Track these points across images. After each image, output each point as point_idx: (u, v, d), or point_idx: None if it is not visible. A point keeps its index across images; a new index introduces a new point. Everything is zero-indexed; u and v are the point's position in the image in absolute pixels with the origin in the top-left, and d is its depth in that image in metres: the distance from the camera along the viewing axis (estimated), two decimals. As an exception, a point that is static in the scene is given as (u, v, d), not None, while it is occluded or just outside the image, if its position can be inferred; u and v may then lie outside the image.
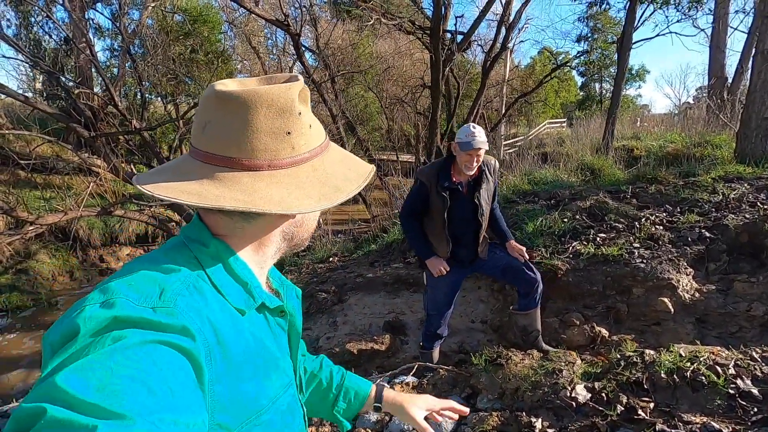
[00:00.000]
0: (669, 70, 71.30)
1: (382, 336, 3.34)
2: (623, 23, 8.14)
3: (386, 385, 1.04)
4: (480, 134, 2.22)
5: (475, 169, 2.28)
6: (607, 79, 28.72)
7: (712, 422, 1.56)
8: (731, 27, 13.00)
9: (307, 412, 0.74)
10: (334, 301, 3.97)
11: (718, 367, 1.75)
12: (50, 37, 12.32)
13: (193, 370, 0.47)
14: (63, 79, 8.33)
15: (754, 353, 1.84)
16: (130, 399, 0.38)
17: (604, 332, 2.80)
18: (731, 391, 1.66)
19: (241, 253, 0.61)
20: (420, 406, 0.93)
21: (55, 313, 8.67)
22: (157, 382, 0.41)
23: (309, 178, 0.59)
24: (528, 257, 2.56)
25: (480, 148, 2.20)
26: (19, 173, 10.46)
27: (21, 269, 9.49)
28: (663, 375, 1.79)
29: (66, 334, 0.44)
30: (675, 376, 1.78)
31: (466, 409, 0.98)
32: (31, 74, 13.24)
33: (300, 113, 0.59)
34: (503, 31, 10.96)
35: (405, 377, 2.42)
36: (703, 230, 3.32)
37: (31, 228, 6.58)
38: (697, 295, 2.87)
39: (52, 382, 0.38)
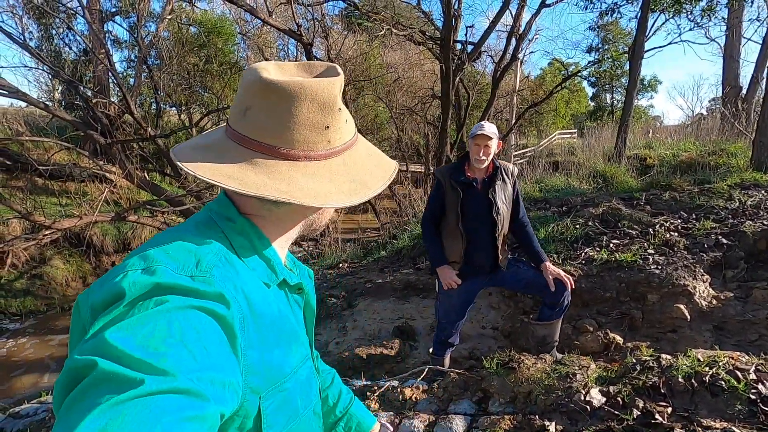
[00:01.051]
0: (681, 81, 70.92)
1: (392, 341, 3.32)
2: (634, 32, 8.13)
3: (390, 428, 1.00)
4: (489, 126, 2.24)
5: (486, 162, 2.26)
6: (619, 89, 28.62)
7: (733, 428, 1.51)
8: (744, 37, 12.91)
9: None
10: (343, 306, 3.96)
11: (738, 372, 1.70)
12: (70, 48, 12.70)
13: (227, 335, 0.49)
14: (82, 88, 8.54)
15: (775, 358, 1.79)
16: (172, 357, 0.41)
17: (618, 339, 2.74)
18: (752, 397, 1.61)
19: (267, 233, 0.63)
20: None
21: (67, 317, 8.77)
22: (196, 344, 0.44)
23: (340, 172, 0.61)
24: (573, 285, 2.35)
25: (485, 135, 2.19)
26: (36, 180, 10.72)
27: (35, 274, 9.65)
28: (681, 379, 1.74)
29: (110, 297, 0.46)
30: (693, 380, 1.73)
31: None
32: (51, 84, 13.64)
33: (340, 109, 0.61)
34: (513, 41, 11.00)
35: (415, 381, 2.39)
36: (719, 237, 3.26)
37: (47, 233, 6.71)
38: (714, 302, 2.80)
39: (103, 338, 0.41)
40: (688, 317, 2.72)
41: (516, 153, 16.92)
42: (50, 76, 11.70)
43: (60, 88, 13.46)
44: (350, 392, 0.92)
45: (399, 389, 2.22)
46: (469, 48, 10.88)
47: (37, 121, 10.50)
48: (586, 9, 9.88)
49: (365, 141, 0.70)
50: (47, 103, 9.80)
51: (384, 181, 0.65)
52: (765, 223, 3.26)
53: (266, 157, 0.58)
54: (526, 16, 11.32)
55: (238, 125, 0.59)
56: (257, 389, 0.54)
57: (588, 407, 1.76)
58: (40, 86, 13.53)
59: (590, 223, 3.84)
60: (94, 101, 8.38)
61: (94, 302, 0.47)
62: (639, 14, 7.77)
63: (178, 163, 0.58)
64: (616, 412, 1.70)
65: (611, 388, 1.82)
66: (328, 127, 0.60)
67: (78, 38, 11.42)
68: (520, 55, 12.99)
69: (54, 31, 12.47)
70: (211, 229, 0.60)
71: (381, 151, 0.72)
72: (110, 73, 9.26)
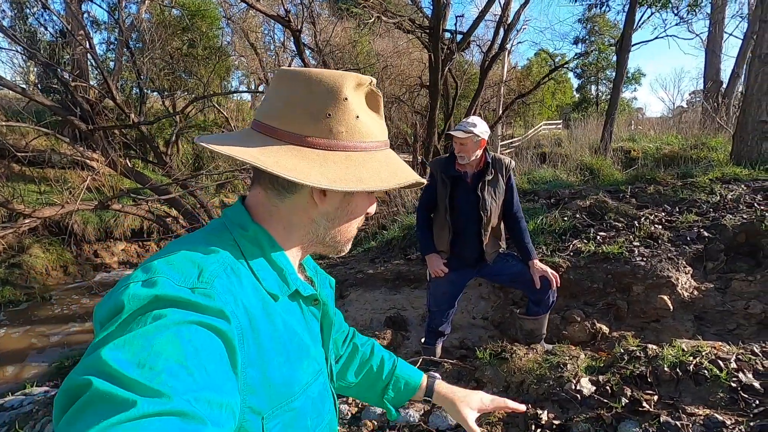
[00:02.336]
0: (664, 74, 72.12)
1: (384, 331, 3.36)
2: (622, 25, 8.21)
3: (438, 376, 1.02)
4: (468, 125, 2.21)
5: (466, 159, 2.26)
6: (604, 81, 28.93)
7: (716, 414, 1.59)
8: (726, 32, 13.16)
9: (356, 397, 0.73)
10: (334, 297, 3.98)
11: (720, 361, 1.79)
12: (46, 29, 12.18)
13: (227, 351, 0.48)
14: (59, 71, 8.23)
15: (755, 348, 1.88)
16: (167, 377, 0.40)
17: (605, 329, 2.83)
18: (733, 385, 1.69)
19: (278, 240, 0.62)
20: (473, 406, 0.89)
21: (48, 307, 8.59)
22: (193, 362, 0.43)
23: (337, 162, 0.58)
24: (559, 284, 2.38)
25: (457, 136, 2.20)
26: (13, 166, 10.36)
27: (14, 263, 9.40)
28: (666, 369, 1.82)
29: (111, 310, 0.46)
30: (678, 369, 1.81)
31: (522, 407, 0.94)
32: (25, 66, 13.10)
33: (346, 99, 0.59)
34: (502, 31, 11.00)
35: (409, 371, 2.44)
36: (701, 230, 3.36)
37: (26, 221, 6.52)
38: (695, 293, 2.91)
39: (98, 355, 0.40)
40: (671, 307, 2.82)
41: (503, 143, 17.04)
42: (25, 58, 11.25)
43: (35, 70, 12.94)
44: (392, 356, 0.93)
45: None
46: (458, 37, 10.84)
47: (12, 104, 10.11)
48: (575, 1, 9.90)
49: (397, 157, 0.66)
50: (22, 86, 9.44)
51: (389, 184, 0.60)
52: (744, 216, 3.38)
53: (266, 138, 0.60)
54: (514, 6, 11.35)
55: (255, 114, 0.64)
56: (258, 409, 0.53)
57: (578, 396, 1.82)
58: (14, 68, 13.01)
59: (578, 216, 3.92)
60: (73, 85, 8.08)
61: (101, 316, 0.47)
62: (627, 7, 7.84)
63: (199, 142, 0.61)
64: (605, 401, 1.77)
65: (600, 378, 1.89)
66: (329, 115, 0.59)
67: (54, 18, 10.98)
68: (508, 46, 13.01)
69: (28, 11, 11.95)
70: (223, 236, 0.59)
71: (410, 168, 0.66)
72: (90, 56, 8.95)
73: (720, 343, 1.97)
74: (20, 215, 6.57)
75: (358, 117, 0.60)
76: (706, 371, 1.77)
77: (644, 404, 1.70)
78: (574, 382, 1.88)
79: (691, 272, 3.05)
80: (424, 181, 0.66)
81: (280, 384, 0.56)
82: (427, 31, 9.21)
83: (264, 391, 0.54)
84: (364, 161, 0.60)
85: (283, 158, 0.56)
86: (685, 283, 2.94)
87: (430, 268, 2.42)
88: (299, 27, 7.50)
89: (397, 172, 0.63)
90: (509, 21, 11.00)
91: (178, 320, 0.45)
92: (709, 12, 12.07)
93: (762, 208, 3.51)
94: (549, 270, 2.35)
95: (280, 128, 0.59)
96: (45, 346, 7.00)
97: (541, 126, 21.75)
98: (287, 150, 0.58)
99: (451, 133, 2.23)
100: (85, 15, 12.54)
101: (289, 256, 0.63)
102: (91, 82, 10.70)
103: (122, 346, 0.41)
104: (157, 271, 0.50)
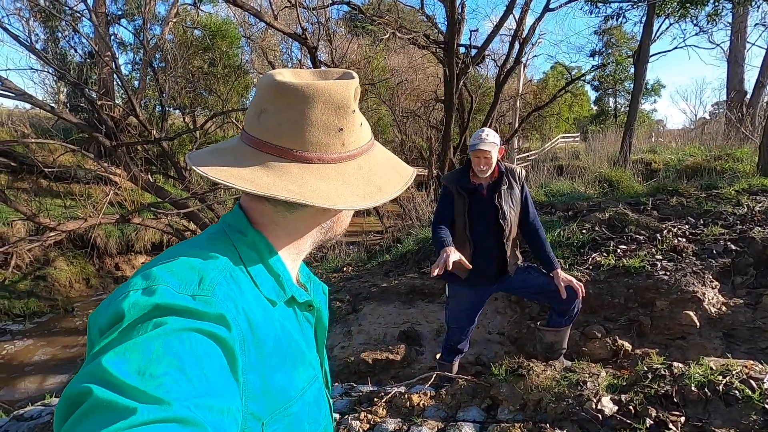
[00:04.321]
0: (684, 86, 70.88)
1: (397, 346, 3.30)
2: (639, 37, 8.12)
3: None
4: (488, 136, 2.20)
5: (488, 172, 2.25)
6: (622, 93, 28.58)
7: (749, 438, 1.49)
8: (749, 42, 12.89)
9: None
10: (348, 310, 3.94)
11: (752, 381, 1.68)
12: (75, 51, 12.78)
13: (227, 358, 0.48)
14: (87, 90, 8.58)
15: (790, 367, 1.77)
16: (168, 384, 0.40)
17: (627, 345, 2.72)
18: (767, 407, 1.59)
19: (276, 245, 0.62)
20: None
21: (70, 319, 8.79)
22: (194, 369, 0.43)
23: (354, 175, 0.60)
24: (584, 293, 2.28)
25: (484, 149, 2.17)
26: (41, 182, 10.76)
27: (39, 275, 9.68)
28: (693, 388, 1.72)
29: (112, 318, 0.46)
30: (706, 389, 1.71)
31: None
32: (56, 86, 13.71)
33: (354, 111, 0.60)
34: (517, 45, 11.00)
35: (422, 387, 2.37)
36: (728, 243, 3.23)
37: (51, 234, 6.72)
38: (723, 308, 2.78)
39: (99, 363, 0.40)
40: (698, 324, 2.69)
41: (519, 156, 16.90)
42: (55, 79, 11.77)
43: (65, 90, 13.53)
44: None
45: (406, 395, 2.20)
46: (473, 52, 10.90)
47: (42, 123, 10.56)
48: (591, 13, 9.88)
49: (382, 147, 0.69)
50: (52, 105, 9.85)
51: (401, 186, 0.63)
52: (774, 229, 3.24)
53: (279, 160, 0.57)
54: (529, 20, 11.34)
55: (253, 129, 0.59)
56: (259, 415, 0.53)
57: (599, 416, 1.74)
58: (45, 88, 13.62)
59: (597, 228, 3.82)
60: (99, 103, 8.41)
61: (100, 323, 0.47)
62: (644, 18, 7.76)
63: (192, 166, 0.58)
64: (629, 421, 1.68)
65: (623, 397, 1.80)
66: (341, 129, 0.59)
67: (84, 41, 11.50)
68: (524, 59, 13.00)
69: (60, 34, 12.56)
70: (222, 242, 0.59)
71: (398, 158, 0.70)
72: (115, 76, 9.31)
73: (751, 362, 1.87)
74: (46, 228, 6.79)
75: (361, 125, 0.62)
76: (737, 391, 1.67)
77: (670, 426, 1.61)
78: (595, 401, 1.80)
79: (718, 287, 2.92)
80: (413, 169, 0.69)
81: (278, 389, 0.56)
82: (442, 46, 9.29)
83: (264, 397, 0.54)
84: (371, 166, 0.62)
85: (309, 184, 0.56)
86: (712, 299, 2.81)
87: (442, 260, 2.02)
88: (316, 44, 7.66)
89: (397, 168, 0.66)
90: (524, 35, 11.02)
91: (178, 328, 0.45)
92: (730, 21, 11.86)
93: (793, 220, 3.36)
94: (574, 280, 2.27)
95: (292, 148, 0.57)
96: (66, 357, 7.14)
97: (558, 139, 21.55)
98: (306, 172, 0.57)
99: (481, 148, 2.16)
100: (112, 37, 13.12)
101: (287, 262, 0.63)
102: (116, 101, 11.11)
103: (123, 354, 0.41)
104: (157, 279, 0.49)
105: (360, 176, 0.60)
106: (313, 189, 0.56)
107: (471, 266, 2.16)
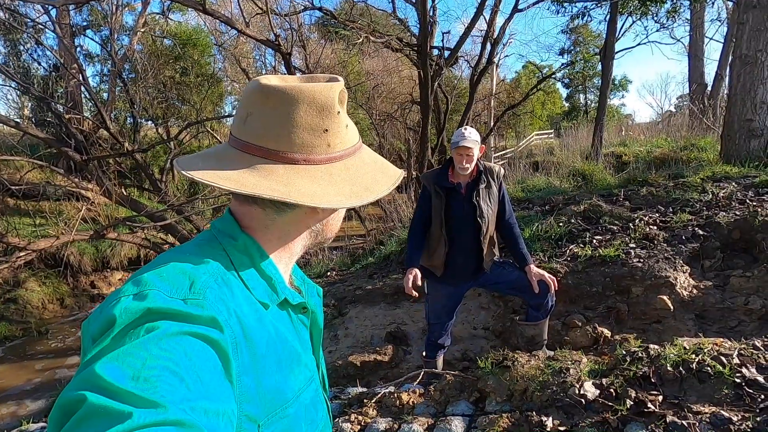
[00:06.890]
0: (650, 80, 73.36)
1: (385, 347, 3.32)
2: (605, 34, 8.40)
3: None
4: (470, 134, 2.25)
5: (469, 169, 2.28)
6: (592, 89, 29.42)
7: (722, 411, 1.56)
8: (707, 36, 13.49)
9: None
10: (334, 314, 3.94)
11: (722, 357, 1.77)
12: (39, 64, 12.37)
13: (221, 361, 0.48)
14: (53, 104, 8.31)
15: (756, 342, 1.86)
16: (162, 387, 0.40)
17: (607, 332, 2.81)
18: (737, 380, 1.67)
19: (268, 249, 0.62)
20: None
21: (45, 342, 8.45)
22: (188, 372, 0.43)
23: (341, 176, 0.61)
24: (557, 287, 2.37)
25: (467, 146, 2.21)
26: (8, 200, 10.34)
27: (9, 298, 9.27)
28: (669, 368, 1.80)
29: (103, 325, 0.46)
30: (681, 368, 1.79)
31: None
32: (19, 101, 13.24)
33: (338, 112, 0.61)
34: (488, 46, 11.21)
35: (411, 386, 2.40)
36: (696, 228, 3.38)
37: (21, 254, 6.47)
38: (695, 291, 2.90)
39: (92, 370, 0.40)
40: (671, 307, 2.80)
41: (496, 155, 17.18)
42: (19, 93, 11.37)
43: (30, 104, 13.08)
44: None
45: (396, 395, 2.22)
46: (446, 53, 11.04)
47: (6, 139, 10.17)
48: (558, 13, 10.16)
49: (370, 150, 0.70)
50: (17, 120, 9.51)
51: (388, 186, 0.64)
52: (737, 213, 3.40)
53: (266, 162, 0.58)
54: (499, 21, 11.56)
55: (240, 133, 0.60)
56: (254, 417, 0.53)
57: (583, 400, 1.79)
58: (8, 103, 13.16)
59: (573, 221, 3.93)
60: (67, 117, 8.16)
61: (93, 330, 0.47)
62: (608, 17, 8.03)
63: (179, 170, 0.58)
64: (610, 404, 1.74)
65: (604, 381, 1.87)
66: (326, 130, 0.60)
67: (48, 53, 11.15)
68: (496, 59, 13.26)
69: (22, 47, 12.14)
70: (213, 247, 0.59)
71: (385, 160, 0.71)
72: (83, 88, 9.06)
73: (721, 339, 1.96)
74: (15, 249, 6.53)
75: (347, 126, 0.63)
76: (709, 368, 1.75)
77: (649, 405, 1.67)
78: (578, 386, 1.86)
79: (688, 271, 3.05)
80: (401, 171, 0.70)
81: (274, 391, 0.56)
82: (415, 48, 9.38)
83: (259, 399, 0.53)
84: (357, 167, 0.63)
85: (295, 184, 0.57)
86: (684, 283, 2.93)
87: (404, 282, 2.31)
88: (289, 50, 7.63)
89: (384, 170, 0.67)
90: (495, 35, 11.23)
91: (171, 332, 0.45)
92: (688, 18, 12.39)
93: (754, 204, 3.53)
94: (546, 274, 2.34)
95: (278, 149, 0.58)
96: (42, 381, 6.85)
97: (532, 137, 21.98)
98: (293, 173, 0.58)
99: (464, 144, 2.21)
100: (78, 49, 12.75)
101: (279, 265, 0.64)
102: (85, 114, 10.79)
103: (116, 360, 0.41)
104: (148, 284, 0.50)
105: (347, 177, 0.61)
106: (299, 189, 0.56)
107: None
